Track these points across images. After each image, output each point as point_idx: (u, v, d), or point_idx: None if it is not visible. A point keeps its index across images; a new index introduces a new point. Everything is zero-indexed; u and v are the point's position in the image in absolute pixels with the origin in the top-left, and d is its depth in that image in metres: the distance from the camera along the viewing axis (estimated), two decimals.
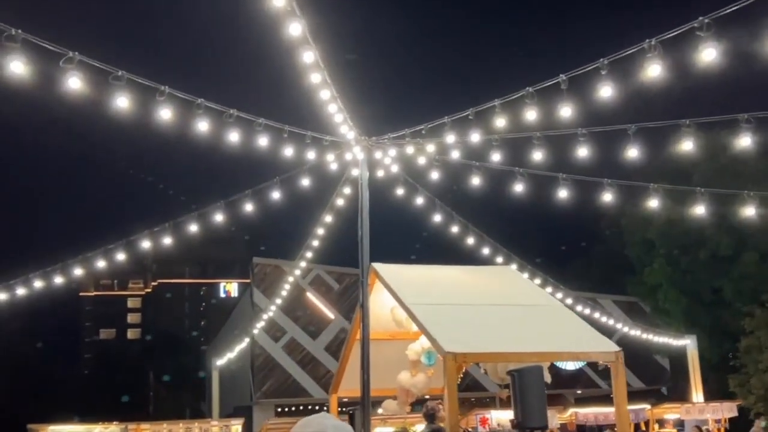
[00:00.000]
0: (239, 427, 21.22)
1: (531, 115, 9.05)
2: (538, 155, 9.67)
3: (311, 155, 10.56)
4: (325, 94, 9.12)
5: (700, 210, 11.63)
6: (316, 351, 30.92)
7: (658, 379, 35.03)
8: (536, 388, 7.76)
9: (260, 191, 11.52)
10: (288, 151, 10.13)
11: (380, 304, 11.21)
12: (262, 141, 9.71)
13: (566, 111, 8.84)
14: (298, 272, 20.88)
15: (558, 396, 32.55)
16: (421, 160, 10.90)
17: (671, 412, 21.52)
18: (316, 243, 15.17)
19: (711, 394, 25.62)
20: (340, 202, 12.63)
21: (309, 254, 15.96)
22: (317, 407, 32.30)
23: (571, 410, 19.72)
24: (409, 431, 19.59)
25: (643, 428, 20.32)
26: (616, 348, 8.68)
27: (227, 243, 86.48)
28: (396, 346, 11.76)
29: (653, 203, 11.54)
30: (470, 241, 13.63)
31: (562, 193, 10.91)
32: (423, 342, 11.41)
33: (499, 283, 10.67)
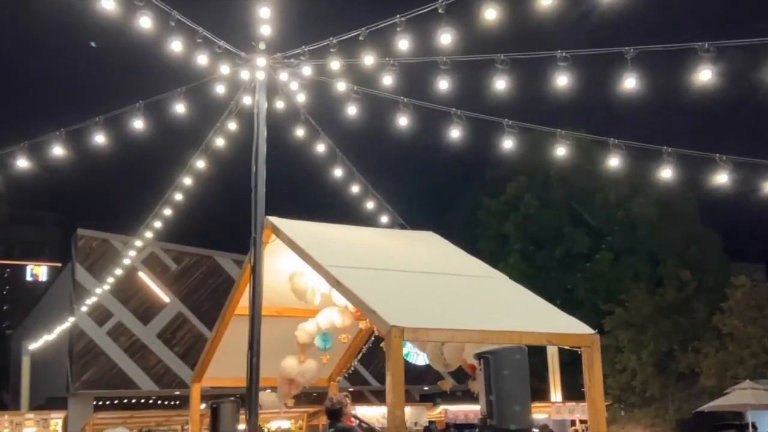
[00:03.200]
0: (59, 422, 17.81)
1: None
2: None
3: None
4: None
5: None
6: (147, 338, 27.56)
7: None
8: (517, 376, 5.75)
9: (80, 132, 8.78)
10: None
11: (269, 271, 8.86)
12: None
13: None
14: (133, 252, 17.37)
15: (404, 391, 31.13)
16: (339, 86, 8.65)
17: (539, 412, 20.48)
18: (168, 212, 12.29)
19: (567, 394, 25.05)
20: (198, 167, 10.03)
21: (158, 225, 12.96)
22: (144, 401, 28.94)
23: (441, 407, 18.13)
24: None
25: None
26: (591, 330, 6.89)
27: (36, 222, 79.38)
28: (281, 326, 9.43)
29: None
30: (369, 205, 11.51)
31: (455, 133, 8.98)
32: (320, 321, 9.18)
33: (427, 249, 8.63)
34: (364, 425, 8.26)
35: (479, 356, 5.84)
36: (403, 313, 6.14)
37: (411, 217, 12.63)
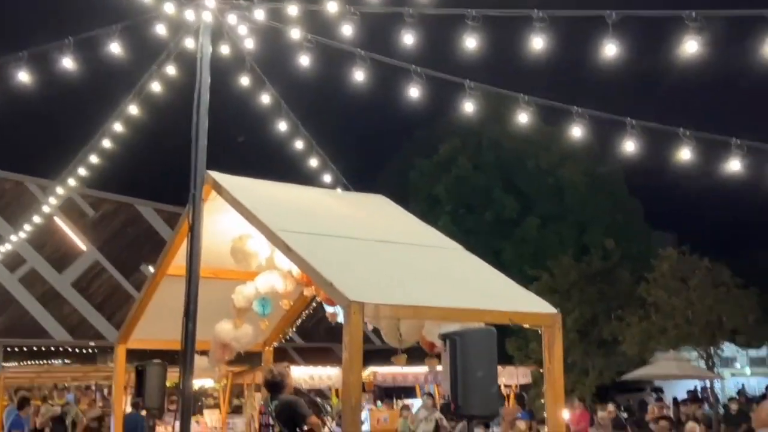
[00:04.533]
0: None
1: None
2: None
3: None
4: None
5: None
6: (62, 287, 26.26)
7: None
8: (485, 359, 5.37)
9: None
10: None
11: (207, 230, 8.21)
12: None
13: None
14: (53, 201, 16.19)
15: (327, 350, 30.98)
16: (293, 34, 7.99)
17: None
18: (94, 159, 11.36)
19: None
20: (129, 112, 9.21)
21: (82, 173, 11.98)
22: (56, 351, 27.82)
23: (370, 369, 17.86)
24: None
25: (441, 393, 18.87)
26: (553, 309, 6.58)
27: None
28: (217, 288, 8.84)
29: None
30: (313, 163, 10.92)
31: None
32: (259, 285, 8.64)
33: (380, 214, 8.15)
34: (308, 398, 7.80)
35: (445, 337, 5.43)
36: (363, 286, 5.67)
37: (348, 176, 12.12)
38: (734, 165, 8.34)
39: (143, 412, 10.24)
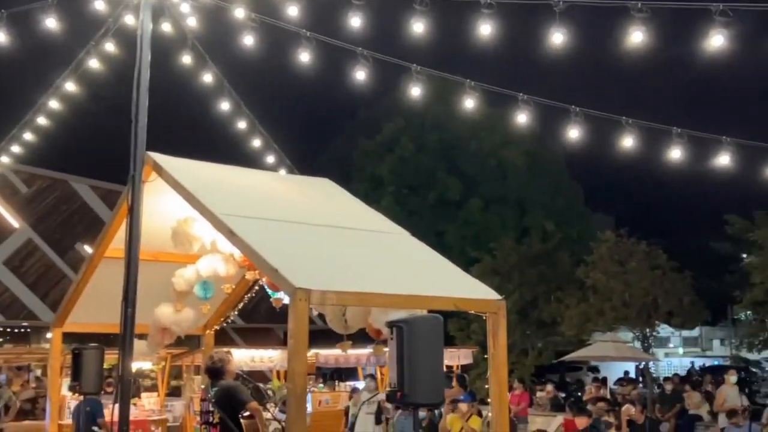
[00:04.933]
0: None
1: None
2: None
3: None
4: None
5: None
6: None
7: None
8: (431, 347, 5.34)
9: None
10: None
11: (147, 211, 7.99)
12: None
13: None
14: None
15: (269, 330, 30.82)
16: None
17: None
18: (28, 136, 11.01)
19: None
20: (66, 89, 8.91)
21: (15, 150, 11.62)
22: None
23: (313, 351, 17.76)
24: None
25: (383, 375, 18.87)
26: (498, 296, 6.60)
27: None
28: (157, 271, 8.65)
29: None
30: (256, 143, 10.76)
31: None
32: (201, 268, 8.49)
33: (325, 198, 8.04)
34: (250, 384, 7.70)
35: (392, 325, 5.38)
36: (309, 273, 5.58)
37: (291, 156, 11.99)
38: (675, 153, 8.51)
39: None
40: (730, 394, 15.22)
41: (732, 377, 15.79)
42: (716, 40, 6.05)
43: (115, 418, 6.98)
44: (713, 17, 5.83)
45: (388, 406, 13.45)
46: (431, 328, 5.36)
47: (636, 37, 6.23)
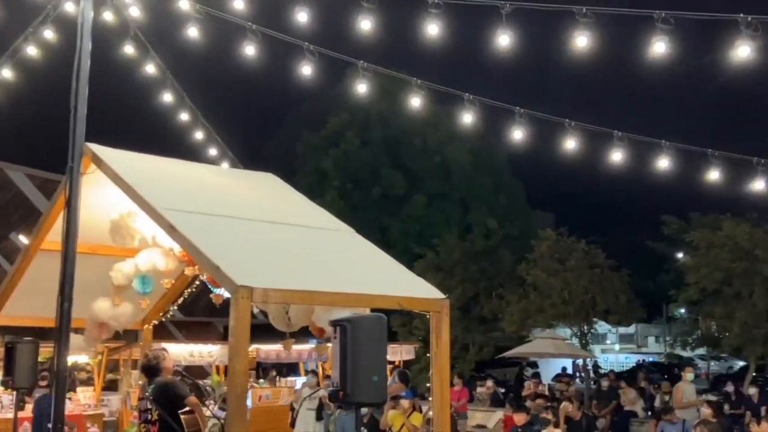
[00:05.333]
0: None
1: None
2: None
3: None
4: None
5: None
6: None
7: None
8: (375, 346, 5.34)
9: None
10: None
11: (85, 204, 7.80)
12: None
13: None
14: None
15: (208, 324, 30.46)
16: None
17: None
18: None
19: None
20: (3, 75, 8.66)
21: None
22: None
23: (253, 346, 17.59)
24: None
25: (325, 371, 18.76)
26: (441, 295, 6.63)
27: None
28: (95, 265, 8.47)
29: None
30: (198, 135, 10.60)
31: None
32: (140, 262, 8.35)
33: (269, 194, 7.96)
34: (189, 381, 7.58)
35: (335, 324, 5.36)
36: (251, 270, 5.53)
37: (234, 148, 11.86)
38: (616, 156, 8.67)
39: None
40: (687, 390, 15.11)
41: (689, 374, 15.74)
42: (658, 47, 6.18)
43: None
44: (656, 24, 5.95)
45: (329, 402, 13.41)
46: (375, 327, 5.36)
47: (581, 41, 6.32)
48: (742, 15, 5.76)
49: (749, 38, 5.95)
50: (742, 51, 6.07)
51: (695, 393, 15.40)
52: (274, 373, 20.22)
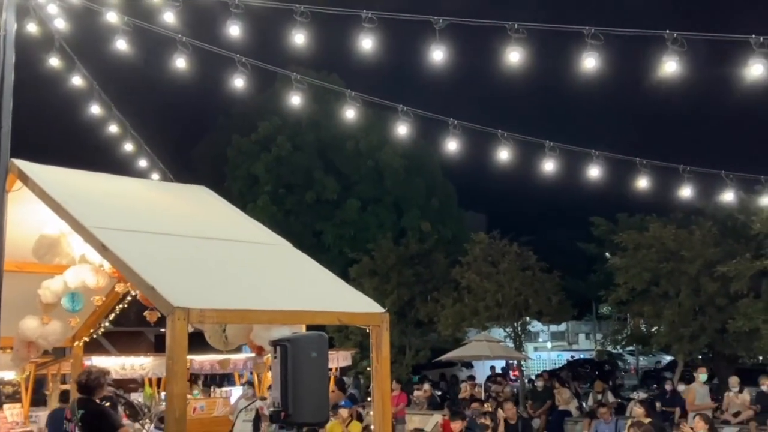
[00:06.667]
0: None
1: None
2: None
3: None
4: None
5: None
6: None
7: None
8: (316, 366, 5.31)
9: None
10: None
11: (11, 220, 7.56)
12: None
13: None
14: None
15: (138, 334, 29.90)
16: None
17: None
18: None
19: None
20: None
21: None
22: None
23: (187, 357, 17.24)
24: None
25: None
26: (381, 309, 6.62)
27: None
28: (21, 282, 8.20)
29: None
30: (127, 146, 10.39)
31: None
32: (69, 279, 8.11)
33: (202, 208, 7.82)
34: (123, 401, 7.40)
35: (276, 344, 5.31)
36: (187, 290, 5.43)
37: (163, 157, 11.65)
38: (548, 165, 8.83)
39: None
40: (700, 392, 14.60)
41: (702, 375, 14.99)
42: (588, 62, 6.33)
43: None
44: (586, 40, 6.08)
45: (266, 413, 13.27)
46: (316, 346, 5.34)
47: (513, 57, 6.41)
48: (668, 31, 5.95)
49: (675, 53, 6.15)
50: (669, 66, 6.28)
51: (708, 395, 14.90)
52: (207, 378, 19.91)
